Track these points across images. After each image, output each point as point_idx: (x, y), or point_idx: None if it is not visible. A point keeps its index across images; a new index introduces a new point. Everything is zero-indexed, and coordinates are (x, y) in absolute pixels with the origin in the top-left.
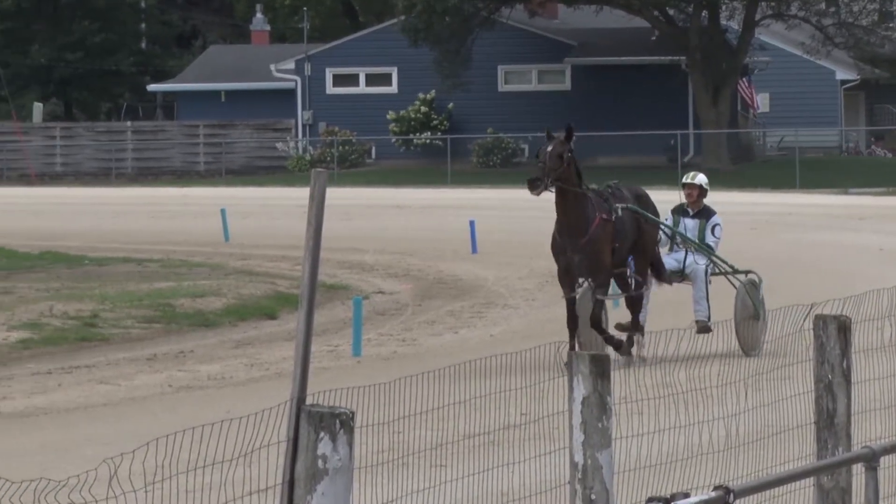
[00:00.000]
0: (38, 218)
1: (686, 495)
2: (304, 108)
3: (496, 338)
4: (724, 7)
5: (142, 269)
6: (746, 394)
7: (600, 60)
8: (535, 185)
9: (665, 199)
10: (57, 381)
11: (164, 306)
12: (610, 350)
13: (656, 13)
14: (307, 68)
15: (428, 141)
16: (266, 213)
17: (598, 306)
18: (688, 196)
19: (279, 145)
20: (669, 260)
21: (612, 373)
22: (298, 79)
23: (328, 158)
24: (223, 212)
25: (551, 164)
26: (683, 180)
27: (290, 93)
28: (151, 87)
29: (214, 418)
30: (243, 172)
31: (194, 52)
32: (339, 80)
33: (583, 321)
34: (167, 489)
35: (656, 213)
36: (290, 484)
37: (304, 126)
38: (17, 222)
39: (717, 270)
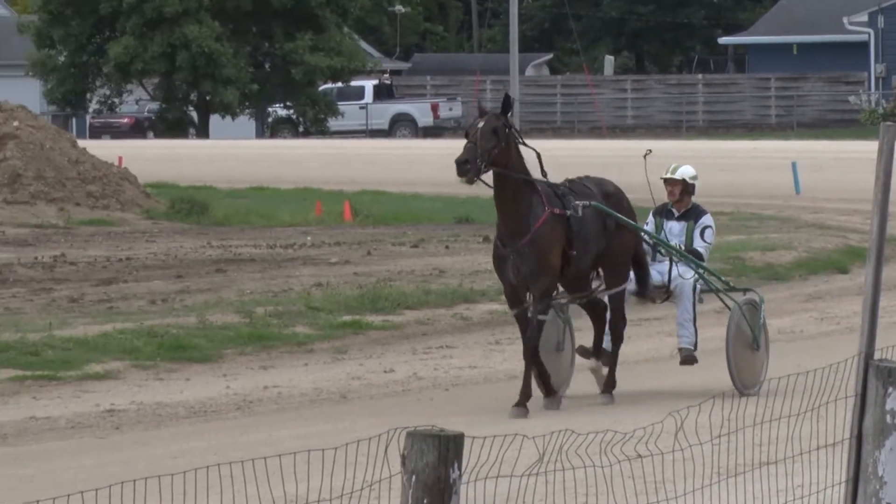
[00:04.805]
0: (620, 171)
1: None
2: (876, 61)
3: None
4: None
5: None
6: None
7: None
8: (464, 170)
9: None
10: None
11: (734, 259)
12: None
13: None
14: (880, 21)
15: None
16: (838, 166)
17: (538, 330)
18: (669, 194)
19: (852, 98)
20: (652, 272)
21: None
22: (871, 31)
23: None
24: (794, 165)
25: (484, 142)
26: (662, 175)
27: (863, 45)
28: (722, 39)
29: (783, 372)
30: (815, 125)
31: (766, 5)
32: None
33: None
34: (734, 442)
35: (632, 216)
36: (858, 439)
37: (876, 79)
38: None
39: (707, 287)
